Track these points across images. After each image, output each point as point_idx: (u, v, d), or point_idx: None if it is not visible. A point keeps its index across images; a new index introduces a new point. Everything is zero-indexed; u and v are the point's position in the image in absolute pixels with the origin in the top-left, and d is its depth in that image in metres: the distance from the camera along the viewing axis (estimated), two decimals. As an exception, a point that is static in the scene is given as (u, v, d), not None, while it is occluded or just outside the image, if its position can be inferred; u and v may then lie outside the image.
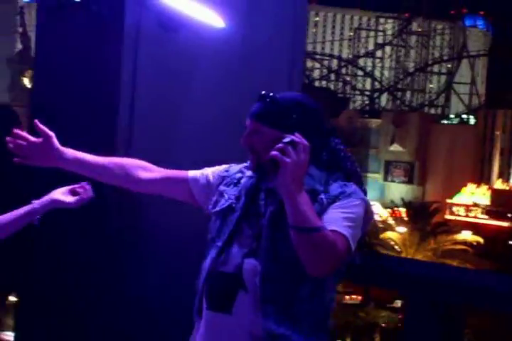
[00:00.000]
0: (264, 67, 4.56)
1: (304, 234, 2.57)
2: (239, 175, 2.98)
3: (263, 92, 2.82)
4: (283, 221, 2.68)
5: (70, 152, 2.93)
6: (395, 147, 62.54)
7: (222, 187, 2.97)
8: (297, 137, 2.61)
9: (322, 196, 2.76)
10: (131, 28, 3.96)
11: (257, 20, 4.48)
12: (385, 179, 63.61)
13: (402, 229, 40.16)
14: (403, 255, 35.58)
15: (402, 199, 46.22)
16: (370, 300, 32.82)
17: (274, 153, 2.58)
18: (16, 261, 4.29)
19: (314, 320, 2.82)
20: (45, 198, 3.02)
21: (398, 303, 31.13)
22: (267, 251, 2.75)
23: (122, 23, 3.95)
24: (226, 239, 2.83)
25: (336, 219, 2.69)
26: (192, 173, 3.05)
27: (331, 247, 2.59)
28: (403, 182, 62.75)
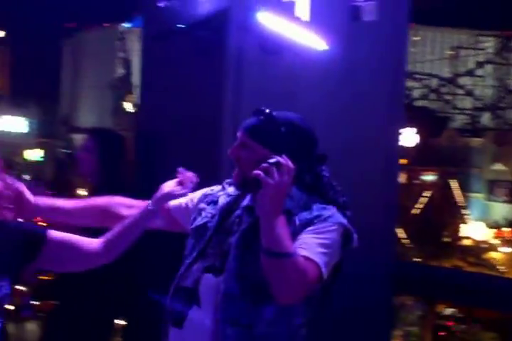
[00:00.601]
0: (365, 89, 4.52)
1: (274, 258, 2.49)
2: (220, 193, 2.96)
3: (260, 108, 2.79)
4: (254, 240, 2.63)
5: (43, 202, 3.04)
6: (498, 166, 61.22)
7: (201, 205, 2.97)
8: (283, 159, 2.56)
9: (295, 218, 2.69)
10: (234, 52, 3.98)
11: (358, 42, 4.45)
12: (488, 198, 62.23)
13: (507, 249, 39.15)
14: (507, 275, 34.71)
15: (506, 219, 45.09)
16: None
17: (257, 172, 2.54)
18: (123, 285, 4.35)
19: None
20: (156, 196, 2.95)
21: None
22: (232, 270, 2.68)
23: (225, 48, 3.97)
24: (194, 256, 2.81)
25: (310, 245, 2.61)
26: (173, 202, 3.05)
27: (301, 275, 2.52)
28: (506, 201, 61.26)
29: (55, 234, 2.79)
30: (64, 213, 3.04)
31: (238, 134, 2.81)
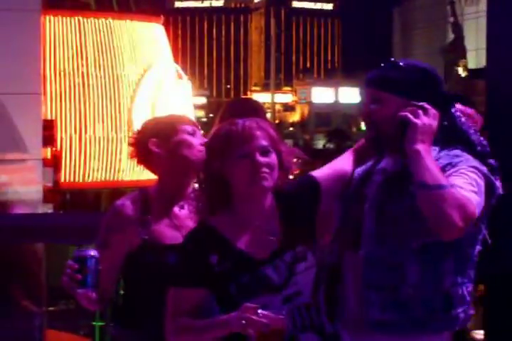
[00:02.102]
0: None
1: (433, 190, 2.39)
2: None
3: (382, 64, 2.66)
4: (388, 201, 2.56)
5: None
6: None
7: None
8: (427, 104, 2.48)
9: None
10: None
11: None
12: None
13: None
14: None
15: None
16: None
17: (403, 113, 2.46)
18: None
19: (427, 307, 2.57)
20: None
21: None
22: (369, 233, 2.60)
23: None
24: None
25: (459, 184, 2.46)
26: None
27: (461, 205, 2.39)
28: None
29: (316, 173, 2.79)
30: None
31: (363, 92, 2.70)
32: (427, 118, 2.52)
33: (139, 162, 3.20)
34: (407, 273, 2.59)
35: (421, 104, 2.54)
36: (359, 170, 2.77)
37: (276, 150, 2.56)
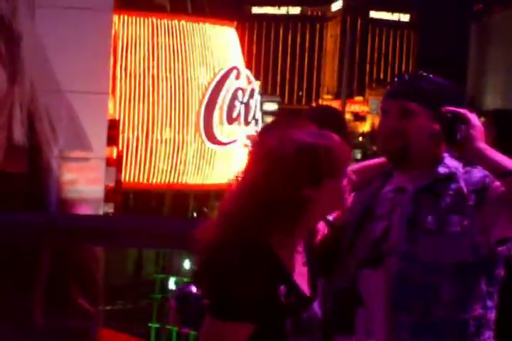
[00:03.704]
0: None
1: None
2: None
3: (407, 75, 2.59)
4: (418, 217, 2.45)
5: None
6: None
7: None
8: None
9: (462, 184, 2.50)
10: None
11: None
12: None
13: None
14: None
15: None
16: None
17: (455, 109, 2.43)
18: None
19: (459, 332, 2.43)
20: None
21: None
22: (401, 250, 2.45)
23: None
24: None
25: None
26: None
27: None
28: None
29: None
30: None
31: (386, 105, 2.59)
32: (478, 120, 2.49)
33: None
34: (441, 294, 2.47)
35: (462, 110, 2.49)
36: (365, 191, 2.66)
37: None
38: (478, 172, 2.53)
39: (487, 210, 2.46)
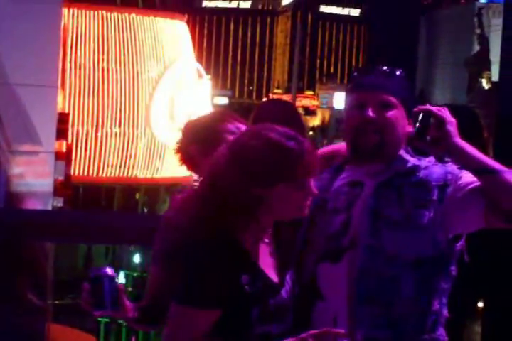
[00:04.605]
0: None
1: (497, 173, 2.35)
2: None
3: (385, 68, 2.58)
4: (380, 209, 2.46)
5: None
6: None
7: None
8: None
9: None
10: None
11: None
12: None
13: None
14: None
15: None
16: None
17: (429, 107, 2.43)
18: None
19: (418, 326, 2.47)
20: None
21: None
22: (364, 243, 2.46)
23: None
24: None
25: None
26: None
27: None
28: None
29: None
30: None
31: (366, 96, 2.55)
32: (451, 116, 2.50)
33: (189, 169, 2.88)
34: (402, 288, 2.47)
35: (438, 107, 2.50)
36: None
37: None
38: (438, 168, 2.54)
39: (448, 206, 2.46)
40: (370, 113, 2.52)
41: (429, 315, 2.50)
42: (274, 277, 2.36)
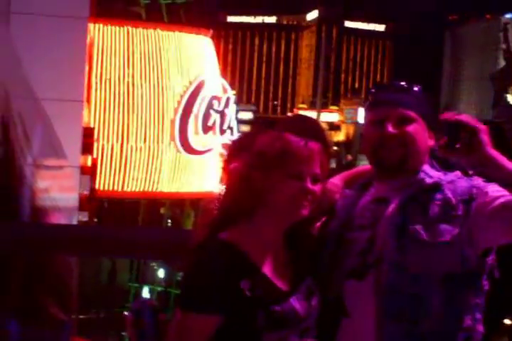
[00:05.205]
0: None
1: None
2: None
3: (403, 83, 2.55)
4: (405, 227, 2.42)
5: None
6: None
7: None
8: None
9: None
10: None
11: None
12: None
13: None
14: None
15: None
16: None
17: (459, 115, 2.38)
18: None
19: None
20: None
21: None
22: (391, 260, 2.42)
23: None
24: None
25: None
26: None
27: None
28: None
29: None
30: None
31: (385, 112, 2.53)
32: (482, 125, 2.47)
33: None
34: (429, 305, 2.43)
35: (466, 115, 2.48)
36: (340, 203, 2.64)
37: (321, 182, 2.40)
38: (463, 182, 2.51)
39: (474, 220, 2.43)
40: (390, 128, 2.51)
41: (460, 332, 2.46)
42: (283, 286, 2.35)
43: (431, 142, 2.55)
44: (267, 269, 2.35)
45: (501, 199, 2.40)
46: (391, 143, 2.51)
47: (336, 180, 2.72)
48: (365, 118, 2.63)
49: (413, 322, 2.42)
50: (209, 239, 2.35)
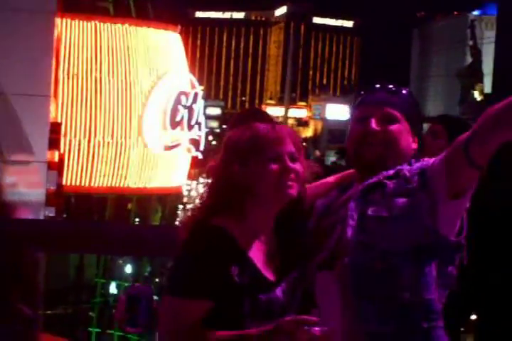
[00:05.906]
0: None
1: None
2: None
3: (391, 86, 2.60)
4: (368, 208, 2.44)
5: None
6: None
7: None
8: None
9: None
10: None
11: None
12: None
13: None
14: None
15: None
16: None
17: None
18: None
19: (426, 311, 2.45)
20: None
21: None
22: (355, 240, 2.44)
23: None
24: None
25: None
26: None
27: None
28: None
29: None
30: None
31: (369, 110, 2.57)
32: None
33: None
34: (402, 278, 2.45)
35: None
36: (320, 202, 2.66)
37: (299, 159, 2.43)
38: (417, 163, 2.53)
39: (432, 188, 2.43)
40: (374, 125, 2.54)
41: (436, 301, 2.48)
42: (269, 275, 2.38)
43: (414, 145, 2.58)
44: (255, 258, 2.37)
45: (443, 153, 2.42)
46: (373, 140, 2.53)
47: (331, 179, 2.75)
48: (351, 116, 2.66)
49: (387, 298, 2.44)
50: (199, 225, 2.36)
